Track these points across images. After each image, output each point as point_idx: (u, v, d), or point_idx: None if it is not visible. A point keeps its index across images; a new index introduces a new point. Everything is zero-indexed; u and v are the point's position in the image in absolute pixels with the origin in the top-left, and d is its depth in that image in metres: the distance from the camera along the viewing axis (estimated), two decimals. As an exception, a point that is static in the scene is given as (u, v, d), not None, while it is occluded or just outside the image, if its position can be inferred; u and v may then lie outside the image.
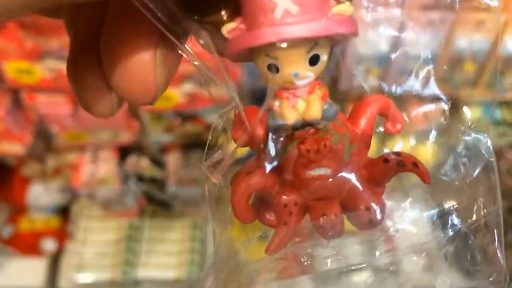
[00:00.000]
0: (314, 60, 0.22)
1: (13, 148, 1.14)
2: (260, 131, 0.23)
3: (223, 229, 0.26)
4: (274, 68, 0.22)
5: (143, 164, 1.25)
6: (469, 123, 0.27)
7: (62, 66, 0.95)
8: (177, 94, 1.00)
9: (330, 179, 0.23)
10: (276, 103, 0.22)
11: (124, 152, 1.25)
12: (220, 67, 0.22)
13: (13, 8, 0.17)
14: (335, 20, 0.21)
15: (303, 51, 0.21)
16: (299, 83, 0.22)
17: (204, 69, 0.23)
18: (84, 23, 0.23)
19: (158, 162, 1.26)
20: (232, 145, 0.24)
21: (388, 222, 0.26)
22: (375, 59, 0.77)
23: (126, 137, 1.17)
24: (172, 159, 1.24)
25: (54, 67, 0.95)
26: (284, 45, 0.20)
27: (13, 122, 1.08)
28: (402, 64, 0.85)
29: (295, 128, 0.22)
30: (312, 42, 0.21)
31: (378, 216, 0.23)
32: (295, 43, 0.20)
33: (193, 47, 0.22)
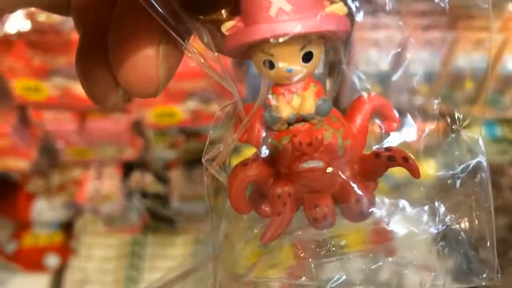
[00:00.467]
0: (307, 57, 0.22)
1: (19, 164, 1.15)
2: (258, 126, 0.24)
3: (221, 221, 0.27)
4: (269, 64, 0.23)
5: (147, 180, 1.25)
6: (461, 122, 0.27)
7: (69, 84, 0.96)
8: (181, 111, 1.01)
9: (322, 172, 0.23)
10: (272, 99, 0.23)
11: (128, 168, 1.26)
12: (220, 64, 0.23)
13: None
14: (326, 18, 0.22)
15: (296, 48, 0.22)
16: (293, 79, 0.23)
17: (205, 66, 0.24)
18: (92, 19, 0.24)
19: (161, 178, 1.26)
20: (232, 138, 0.25)
21: (381, 216, 0.26)
22: (376, 78, 0.78)
23: (130, 154, 1.18)
24: (176, 175, 1.25)
25: (61, 85, 0.97)
26: (277, 41, 0.21)
27: (19, 138, 1.09)
28: (403, 82, 0.86)
29: (290, 123, 0.23)
30: (305, 39, 0.22)
31: (368, 208, 0.24)
32: (288, 40, 0.21)
33: (195, 45, 0.23)
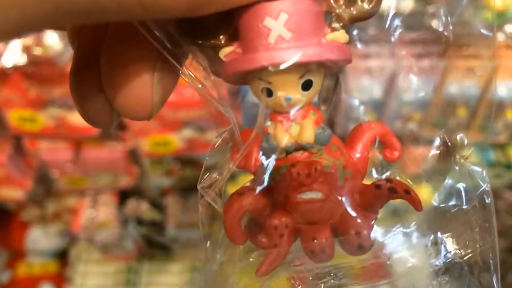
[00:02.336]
0: (307, 85, 0.22)
1: (14, 193, 1.14)
2: (255, 153, 0.24)
3: (215, 250, 0.26)
4: (267, 92, 0.22)
5: (143, 208, 1.25)
6: (465, 154, 0.27)
7: (64, 114, 0.97)
8: (176, 140, 1.01)
9: (321, 203, 0.23)
10: (270, 126, 0.23)
11: (123, 196, 1.26)
12: (217, 89, 0.23)
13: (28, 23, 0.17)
14: (327, 47, 0.21)
15: (296, 76, 0.21)
16: (292, 107, 0.22)
17: (202, 91, 0.23)
18: (87, 36, 0.23)
19: (157, 206, 1.26)
20: (228, 165, 0.24)
21: (382, 249, 0.26)
22: (369, 105, 0.79)
23: (125, 182, 1.18)
24: (172, 203, 1.24)
25: (57, 115, 0.97)
26: (275, 69, 0.21)
27: (15, 168, 1.09)
28: (396, 110, 0.87)
29: (289, 151, 0.23)
30: (305, 67, 0.21)
31: (367, 242, 0.23)
32: (288, 68, 0.21)
33: (192, 70, 0.23)
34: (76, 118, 0.97)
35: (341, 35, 0.22)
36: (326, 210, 0.23)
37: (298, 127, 0.23)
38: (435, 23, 0.28)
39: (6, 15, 0.16)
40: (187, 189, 1.23)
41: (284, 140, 0.22)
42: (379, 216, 0.25)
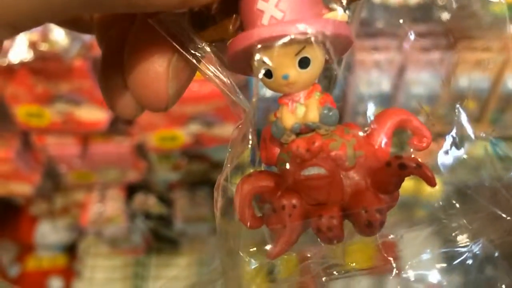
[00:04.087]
0: (303, 63, 0.22)
1: (22, 188, 1.15)
2: (275, 148, 0.24)
3: (230, 264, 0.26)
4: (267, 73, 0.22)
5: (150, 202, 1.25)
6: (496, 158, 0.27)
7: (72, 109, 0.97)
8: (183, 135, 1.01)
9: (324, 180, 0.23)
10: (278, 110, 0.23)
11: (131, 190, 1.26)
12: (231, 82, 0.24)
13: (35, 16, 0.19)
14: (317, 22, 0.21)
15: (291, 54, 0.22)
16: (292, 86, 0.22)
17: (219, 85, 0.24)
18: (114, 36, 0.26)
19: (165, 200, 1.26)
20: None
21: (392, 245, 0.26)
22: (377, 99, 0.79)
23: (133, 176, 1.18)
24: (179, 197, 1.25)
25: (64, 110, 0.97)
26: (264, 45, 0.21)
27: (23, 163, 1.09)
28: (404, 103, 0.86)
29: (295, 132, 0.23)
30: (300, 44, 0.21)
31: (377, 219, 0.22)
32: (282, 45, 0.21)
33: (211, 65, 0.24)
34: (83, 113, 0.97)
35: (337, 14, 0.22)
36: (333, 189, 0.23)
37: (303, 107, 0.23)
38: (444, 16, 0.27)
39: (30, 2, 0.18)
40: (195, 183, 1.23)
41: (290, 121, 0.22)
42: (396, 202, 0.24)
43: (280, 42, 0.21)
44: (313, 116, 0.22)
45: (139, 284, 1.28)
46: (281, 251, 0.23)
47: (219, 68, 0.24)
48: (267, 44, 0.21)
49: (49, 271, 1.35)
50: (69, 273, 1.34)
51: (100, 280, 1.30)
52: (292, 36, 0.21)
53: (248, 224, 0.24)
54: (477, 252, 0.26)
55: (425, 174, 0.22)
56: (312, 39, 0.21)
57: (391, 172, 0.22)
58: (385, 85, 0.77)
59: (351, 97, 0.81)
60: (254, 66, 0.22)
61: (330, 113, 0.22)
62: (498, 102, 0.84)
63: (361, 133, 0.24)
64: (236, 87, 0.24)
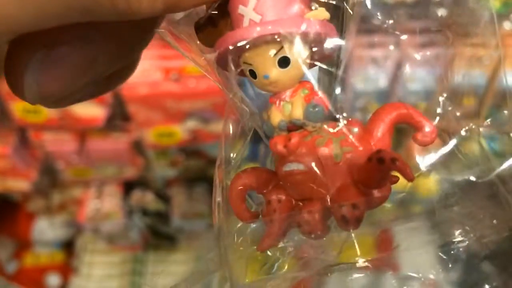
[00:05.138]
0: (283, 62, 0.22)
1: (19, 184, 1.15)
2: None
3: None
4: (252, 74, 0.23)
5: (148, 199, 1.25)
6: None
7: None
8: (180, 131, 1.01)
9: (303, 175, 0.23)
10: (269, 109, 0.24)
11: (128, 186, 1.26)
12: (234, 81, 0.24)
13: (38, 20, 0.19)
14: (289, 22, 0.22)
15: (269, 54, 0.22)
16: (275, 85, 0.23)
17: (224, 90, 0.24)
18: None
19: (162, 196, 1.26)
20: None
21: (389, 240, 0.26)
22: (374, 95, 0.79)
23: (130, 172, 1.18)
24: (176, 193, 1.25)
25: (60, 106, 0.97)
26: (240, 46, 0.22)
27: (20, 159, 1.09)
28: (401, 99, 0.86)
29: (282, 129, 0.23)
30: (277, 44, 0.22)
31: (351, 213, 0.22)
32: (260, 46, 0.22)
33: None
34: (80, 110, 0.97)
35: (319, 13, 0.22)
36: (317, 184, 0.23)
37: (289, 105, 0.23)
38: (440, 12, 0.28)
39: (26, 10, 0.19)
40: (192, 180, 1.23)
41: (276, 119, 0.23)
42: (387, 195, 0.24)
43: (247, 43, 0.22)
44: (298, 113, 0.23)
45: (137, 280, 1.28)
46: (269, 244, 0.24)
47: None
48: (245, 45, 0.22)
49: (47, 268, 1.34)
50: (66, 270, 1.34)
51: (98, 277, 1.30)
52: (269, 37, 0.22)
53: (242, 218, 0.24)
54: (473, 248, 0.26)
55: (400, 169, 0.22)
56: (297, 38, 0.22)
57: (371, 167, 0.22)
58: (382, 81, 0.77)
59: (348, 93, 0.81)
60: (230, 68, 0.23)
61: (315, 110, 0.23)
62: (495, 98, 0.84)
63: (356, 129, 0.24)
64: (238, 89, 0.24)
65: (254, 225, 0.25)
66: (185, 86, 0.88)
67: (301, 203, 0.24)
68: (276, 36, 0.22)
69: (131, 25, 0.22)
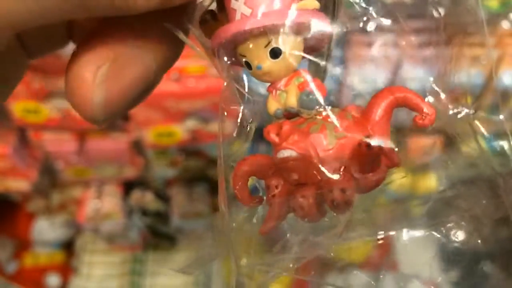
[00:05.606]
0: (274, 53, 0.23)
1: (19, 184, 1.15)
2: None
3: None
4: (247, 65, 0.24)
5: (147, 198, 1.26)
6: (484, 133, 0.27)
7: (68, 105, 0.96)
8: (180, 131, 1.01)
9: (296, 162, 0.23)
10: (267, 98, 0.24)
11: (128, 186, 1.26)
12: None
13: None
14: (273, 14, 0.23)
15: (261, 46, 0.23)
16: (269, 76, 0.24)
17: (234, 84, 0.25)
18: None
19: (162, 196, 1.27)
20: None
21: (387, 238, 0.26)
22: (373, 94, 0.79)
23: (130, 172, 1.18)
24: (176, 193, 1.25)
25: (61, 106, 0.97)
26: (234, 39, 0.23)
27: (20, 159, 1.09)
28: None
29: (278, 117, 0.24)
30: (266, 37, 0.23)
31: (340, 197, 0.22)
32: (252, 38, 0.23)
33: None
34: (80, 110, 0.97)
35: (308, 3, 0.23)
36: (310, 170, 0.23)
37: (284, 94, 0.24)
38: (438, 12, 0.28)
39: (26, 5, 0.19)
40: (192, 180, 1.23)
41: (272, 107, 0.24)
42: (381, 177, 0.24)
43: (239, 36, 0.23)
44: (292, 101, 0.23)
45: (136, 280, 1.29)
46: (269, 226, 0.25)
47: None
48: (237, 39, 0.23)
49: (47, 268, 1.35)
50: (66, 270, 1.34)
51: (98, 277, 1.30)
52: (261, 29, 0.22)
53: (245, 202, 0.25)
54: (474, 248, 0.26)
55: (388, 154, 0.23)
56: (286, 29, 0.23)
57: (361, 152, 0.23)
58: (381, 81, 0.77)
59: (347, 92, 0.81)
60: (222, 62, 0.24)
61: (309, 98, 0.23)
62: (493, 97, 0.84)
63: (350, 115, 0.24)
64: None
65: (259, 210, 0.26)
66: (185, 86, 0.88)
67: (295, 188, 0.24)
68: (264, 29, 0.23)
69: (173, 34, 0.23)
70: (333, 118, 0.23)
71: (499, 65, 0.80)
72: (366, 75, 0.78)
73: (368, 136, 0.23)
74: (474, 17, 0.27)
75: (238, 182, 0.25)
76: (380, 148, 0.22)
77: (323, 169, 0.23)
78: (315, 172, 0.23)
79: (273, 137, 0.23)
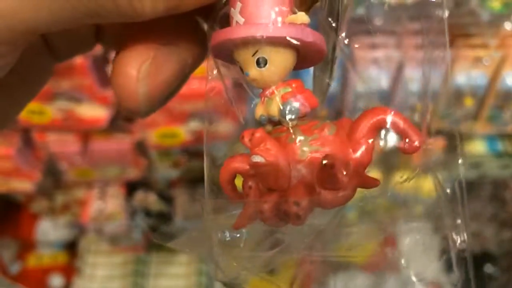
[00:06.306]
0: (260, 62, 0.24)
1: (23, 185, 1.15)
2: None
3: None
4: (240, 70, 0.25)
5: (151, 199, 1.26)
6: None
7: (72, 106, 0.97)
8: (183, 132, 1.01)
9: (264, 168, 0.24)
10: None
11: (131, 187, 1.27)
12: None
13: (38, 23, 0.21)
14: (258, 27, 0.23)
15: (248, 54, 0.24)
16: (256, 83, 0.25)
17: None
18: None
19: (165, 197, 1.27)
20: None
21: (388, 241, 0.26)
22: (375, 96, 0.79)
23: (133, 173, 1.18)
24: (179, 194, 1.25)
25: (65, 107, 0.98)
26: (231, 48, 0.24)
27: (23, 160, 1.10)
28: (402, 100, 0.86)
29: (262, 123, 0.25)
30: (253, 46, 0.24)
31: (292, 210, 0.23)
32: (241, 46, 0.24)
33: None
34: (84, 111, 0.97)
35: (298, 17, 0.24)
36: (280, 178, 0.24)
37: (271, 101, 0.24)
38: (441, 13, 0.28)
39: (40, 12, 0.20)
40: (195, 181, 1.23)
41: (258, 113, 0.25)
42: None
43: (230, 43, 0.24)
44: (273, 110, 0.24)
45: (139, 281, 1.29)
46: (240, 224, 0.25)
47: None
48: (229, 45, 0.24)
49: (50, 269, 1.35)
50: (69, 271, 1.35)
51: (101, 278, 1.30)
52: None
53: (229, 198, 0.26)
54: (476, 250, 0.26)
55: (335, 175, 0.23)
56: (265, 41, 0.23)
57: (322, 169, 0.23)
58: (384, 82, 0.77)
59: (349, 94, 0.81)
60: (211, 65, 0.25)
61: (288, 109, 0.24)
62: (496, 99, 0.84)
63: (330, 131, 0.24)
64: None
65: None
66: (188, 87, 0.87)
67: (266, 192, 0.25)
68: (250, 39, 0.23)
69: (203, 31, 0.25)
70: (297, 133, 0.24)
71: (502, 66, 0.80)
72: (368, 76, 0.78)
73: (327, 156, 0.23)
74: (476, 18, 0.27)
75: (225, 178, 0.25)
76: (332, 167, 0.22)
77: (287, 179, 0.24)
78: (282, 180, 0.24)
79: (247, 142, 0.24)
